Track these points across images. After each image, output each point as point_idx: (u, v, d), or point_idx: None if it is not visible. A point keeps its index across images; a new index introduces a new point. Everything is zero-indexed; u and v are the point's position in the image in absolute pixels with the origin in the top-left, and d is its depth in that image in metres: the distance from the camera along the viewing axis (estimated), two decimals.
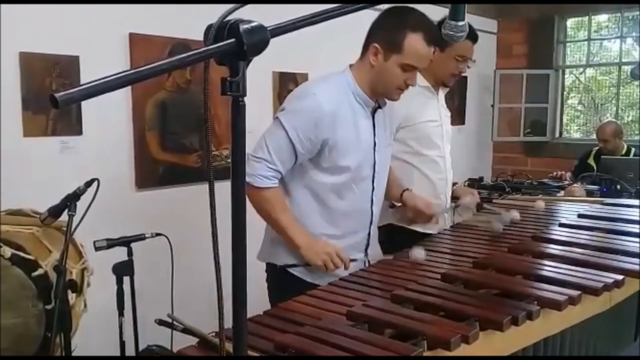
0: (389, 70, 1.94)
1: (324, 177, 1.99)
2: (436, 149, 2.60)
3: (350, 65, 2.04)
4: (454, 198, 3.17)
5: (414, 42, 1.91)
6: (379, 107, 2.07)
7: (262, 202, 1.93)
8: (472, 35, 2.44)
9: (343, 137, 1.94)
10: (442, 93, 2.70)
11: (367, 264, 2.12)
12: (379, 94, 2.05)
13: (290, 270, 2.05)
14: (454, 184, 3.12)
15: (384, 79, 1.97)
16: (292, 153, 1.92)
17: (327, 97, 1.93)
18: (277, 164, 1.91)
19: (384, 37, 1.94)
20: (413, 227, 2.60)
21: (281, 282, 2.07)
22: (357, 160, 2.00)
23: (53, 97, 0.65)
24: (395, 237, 2.54)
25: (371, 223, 2.14)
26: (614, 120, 5.20)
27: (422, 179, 2.56)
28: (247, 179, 1.89)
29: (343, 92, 1.98)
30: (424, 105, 2.55)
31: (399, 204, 2.38)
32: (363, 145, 2.02)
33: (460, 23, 1.43)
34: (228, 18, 0.82)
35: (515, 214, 2.51)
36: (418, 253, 1.96)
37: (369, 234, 2.13)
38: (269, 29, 0.83)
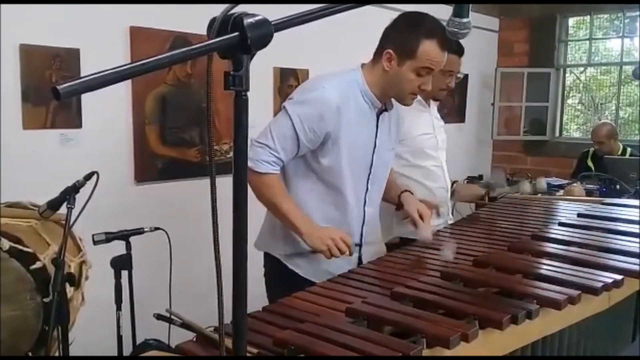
0: (403, 76, 1.95)
1: (321, 171, 2.00)
2: (431, 159, 2.67)
3: (362, 65, 2.05)
4: (453, 195, 3.18)
5: (429, 48, 1.91)
6: (385, 109, 2.08)
7: (263, 187, 1.93)
8: (459, 50, 2.53)
9: (345, 133, 1.95)
10: (434, 105, 2.77)
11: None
12: (390, 98, 2.06)
13: (285, 262, 2.06)
14: (454, 182, 3.13)
15: (397, 84, 1.98)
16: (295, 142, 1.92)
17: (336, 92, 1.93)
18: (279, 151, 1.92)
19: (397, 43, 1.94)
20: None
21: (277, 272, 2.09)
22: (354, 157, 2.01)
23: (55, 89, 0.64)
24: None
25: (363, 224, 2.13)
26: (608, 121, 5.14)
27: (423, 189, 2.58)
28: (249, 163, 1.89)
29: (351, 89, 1.99)
30: (417, 119, 2.60)
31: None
32: (362, 144, 2.03)
33: (465, 20, 1.42)
34: (232, 11, 0.81)
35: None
36: (447, 252, 1.99)
37: (361, 234, 2.13)
38: (273, 23, 0.83)
